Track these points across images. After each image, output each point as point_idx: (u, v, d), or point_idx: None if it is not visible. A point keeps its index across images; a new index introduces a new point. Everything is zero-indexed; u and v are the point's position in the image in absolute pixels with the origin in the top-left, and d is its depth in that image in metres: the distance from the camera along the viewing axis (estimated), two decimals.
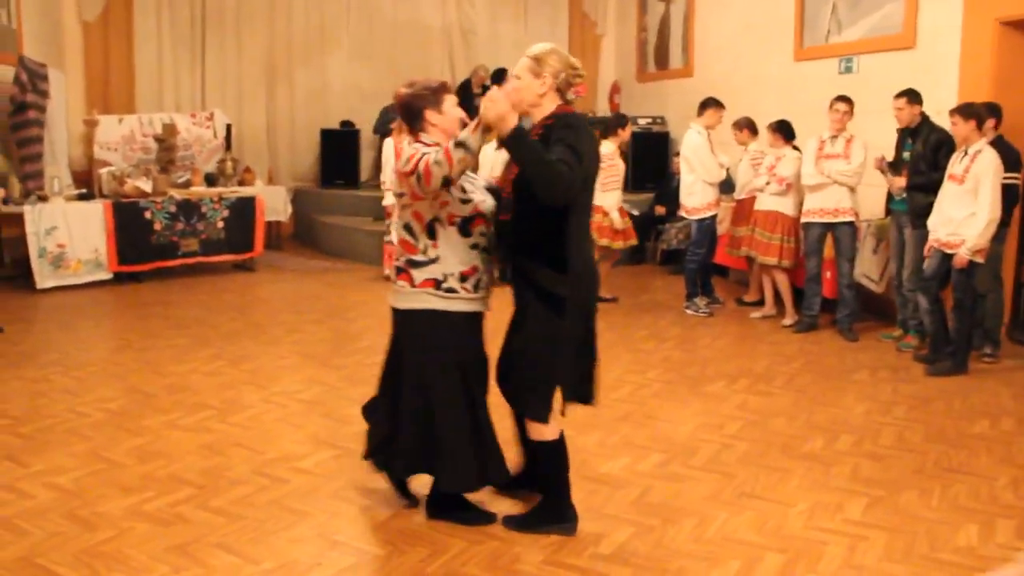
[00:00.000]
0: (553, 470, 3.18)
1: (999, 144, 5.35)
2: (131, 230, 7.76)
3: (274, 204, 9.37)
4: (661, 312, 7.04)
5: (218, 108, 9.97)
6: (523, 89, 3.01)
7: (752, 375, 5.30)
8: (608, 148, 6.80)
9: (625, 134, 7.19)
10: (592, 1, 11.82)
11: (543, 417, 3.07)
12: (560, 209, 2.90)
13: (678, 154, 7.55)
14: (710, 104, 6.90)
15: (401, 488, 3.41)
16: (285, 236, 10.39)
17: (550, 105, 3.04)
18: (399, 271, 3.11)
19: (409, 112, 3.14)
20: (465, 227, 3.05)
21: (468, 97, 9.61)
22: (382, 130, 9.98)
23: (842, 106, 6.13)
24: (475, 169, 3.25)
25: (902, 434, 4.33)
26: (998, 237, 5.35)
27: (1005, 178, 5.25)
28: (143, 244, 7.85)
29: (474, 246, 3.07)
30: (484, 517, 3.27)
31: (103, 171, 8.29)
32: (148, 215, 7.88)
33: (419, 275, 3.05)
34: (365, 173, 10.91)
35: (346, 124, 10.75)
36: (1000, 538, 3.24)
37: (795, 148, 6.64)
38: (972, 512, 3.45)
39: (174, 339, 5.92)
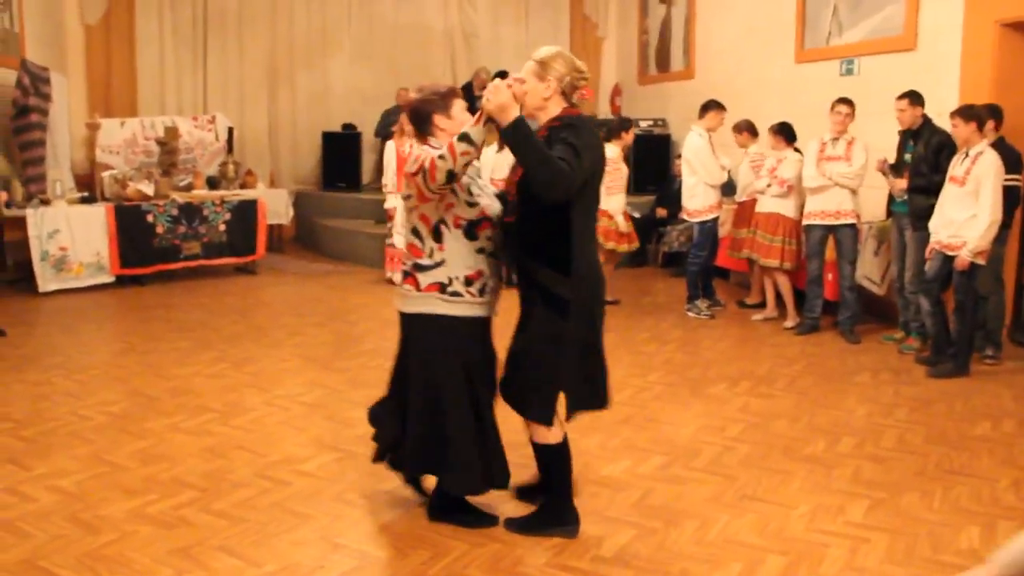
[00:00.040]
0: (555, 473, 3.18)
1: (1000, 146, 5.35)
2: (133, 233, 7.77)
3: (276, 207, 9.39)
4: (662, 314, 7.04)
5: (220, 111, 10.00)
6: (527, 92, 3.01)
7: (754, 377, 5.30)
8: (612, 152, 6.78)
9: (628, 138, 7.20)
10: (593, 3, 11.84)
11: (546, 419, 3.07)
12: (563, 210, 2.89)
13: (679, 156, 7.56)
14: (711, 106, 6.90)
15: (416, 486, 3.43)
16: (287, 239, 10.41)
17: (555, 108, 3.04)
18: (405, 275, 3.12)
19: (418, 117, 3.15)
20: (471, 230, 3.05)
21: (470, 100, 9.58)
22: (383, 133, 10.01)
23: (843, 108, 6.13)
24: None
25: (903, 436, 4.33)
26: (999, 239, 5.36)
27: (1006, 180, 5.26)
28: (145, 247, 7.87)
29: (480, 250, 3.07)
30: (486, 520, 3.27)
31: (105, 174, 8.31)
32: (150, 218, 7.90)
33: (424, 279, 3.06)
34: (367, 176, 10.93)
35: (348, 127, 10.77)
36: (1002, 540, 3.22)
37: (796, 150, 6.65)
38: (974, 514, 3.45)
39: (176, 342, 5.92)
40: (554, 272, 2.96)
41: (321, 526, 3.26)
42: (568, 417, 3.09)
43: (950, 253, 5.26)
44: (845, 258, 6.22)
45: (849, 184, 6.10)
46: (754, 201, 6.91)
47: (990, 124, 5.40)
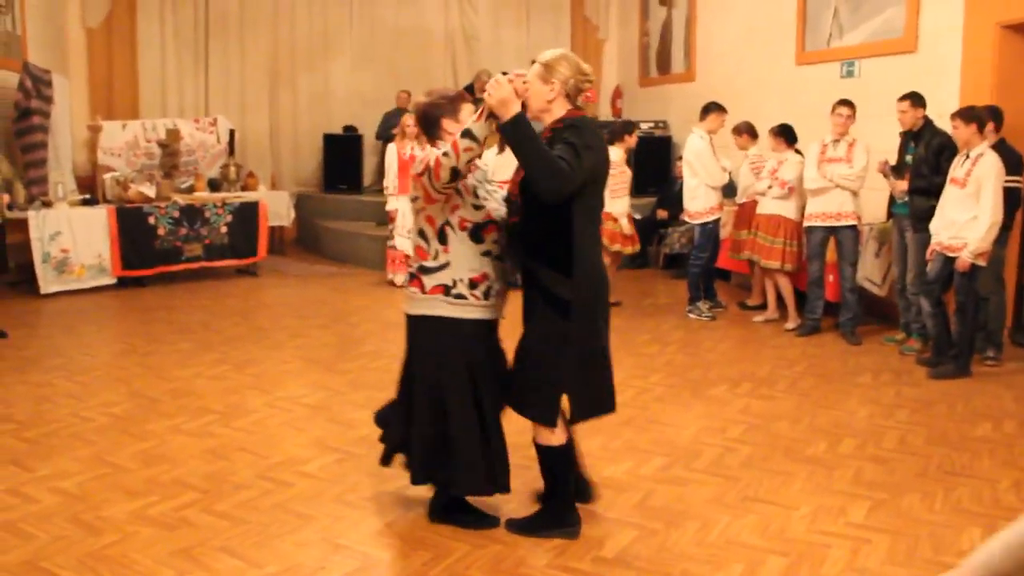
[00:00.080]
0: (557, 474, 3.17)
1: (1000, 147, 5.36)
2: (135, 235, 7.78)
3: (277, 209, 9.40)
4: (664, 316, 7.05)
5: (221, 113, 10.02)
6: (530, 90, 3.00)
7: (755, 379, 5.31)
8: (615, 155, 6.79)
9: (632, 140, 7.20)
10: (594, 6, 11.85)
11: (547, 420, 3.06)
12: (564, 210, 2.90)
13: (680, 158, 7.56)
14: (712, 108, 6.91)
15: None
16: (288, 241, 10.41)
17: (559, 110, 3.04)
18: (411, 277, 3.12)
19: (426, 120, 3.16)
20: (477, 233, 3.05)
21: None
22: (385, 135, 10.02)
23: (844, 110, 6.14)
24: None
25: (905, 437, 4.33)
26: (1000, 240, 5.36)
27: (1006, 181, 5.26)
28: (147, 249, 7.88)
29: (486, 253, 3.07)
30: (487, 521, 3.27)
31: (107, 176, 8.32)
32: (152, 220, 7.91)
33: (429, 281, 3.06)
34: (368, 178, 10.95)
35: (349, 129, 10.78)
36: None
37: (797, 152, 6.66)
38: (975, 515, 3.45)
39: (178, 344, 5.93)
40: (554, 272, 2.95)
41: (323, 527, 3.27)
42: (573, 422, 3.09)
43: (951, 254, 5.26)
44: (846, 260, 6.23)
45: (850, 186, 6.10)
46: (755, 203, 6.92)
47: (990, 126, 5.41)
